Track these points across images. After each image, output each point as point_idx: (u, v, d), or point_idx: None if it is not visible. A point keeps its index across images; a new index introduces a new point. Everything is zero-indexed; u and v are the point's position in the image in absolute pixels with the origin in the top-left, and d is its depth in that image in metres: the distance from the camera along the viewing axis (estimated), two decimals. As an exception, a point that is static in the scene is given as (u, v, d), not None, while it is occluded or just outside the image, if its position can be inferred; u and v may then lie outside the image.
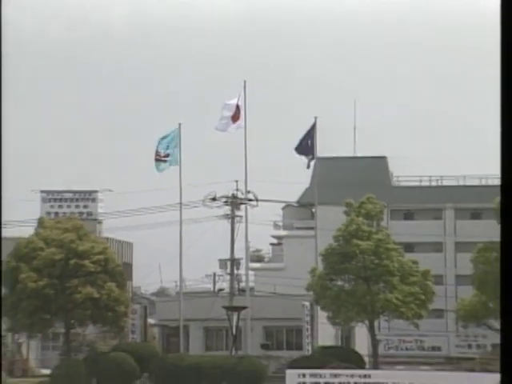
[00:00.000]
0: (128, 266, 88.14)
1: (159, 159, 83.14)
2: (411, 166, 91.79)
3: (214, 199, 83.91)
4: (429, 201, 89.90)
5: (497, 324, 77.28)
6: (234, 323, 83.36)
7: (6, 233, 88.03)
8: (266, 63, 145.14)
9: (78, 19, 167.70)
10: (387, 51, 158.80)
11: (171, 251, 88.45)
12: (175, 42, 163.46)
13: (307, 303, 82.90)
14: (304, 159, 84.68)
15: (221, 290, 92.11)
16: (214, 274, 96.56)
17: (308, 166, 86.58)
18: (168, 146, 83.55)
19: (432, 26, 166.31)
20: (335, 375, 69.40)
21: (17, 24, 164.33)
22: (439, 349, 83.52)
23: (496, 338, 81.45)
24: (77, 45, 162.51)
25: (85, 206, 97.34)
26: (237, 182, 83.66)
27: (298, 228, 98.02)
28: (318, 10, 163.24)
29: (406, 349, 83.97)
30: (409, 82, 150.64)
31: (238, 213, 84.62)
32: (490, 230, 76.12)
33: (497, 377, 69.51)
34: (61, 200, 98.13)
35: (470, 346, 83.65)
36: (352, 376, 69.79)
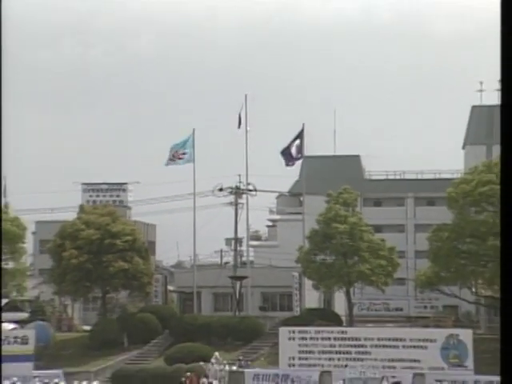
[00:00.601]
0: (152, 244, 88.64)
1: (177, 158, 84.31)
2: (380, 163, 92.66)
3: (221, 190, 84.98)
4: (393, 191, 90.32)
5: (447, 289, 78.60)
6: (237, 290, 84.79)
7: (53, 217, 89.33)
8: (264, 78, 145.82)
9: (113, 45, 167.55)
10: (363, 67, 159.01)
11: (186, 232, 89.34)
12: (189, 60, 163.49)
13: (296, 273, 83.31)
14: (284, 161, 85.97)
15: (226, 263, 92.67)
16: (221, 250, 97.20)
17: (286, 165, 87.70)
18: (185, 147, 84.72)
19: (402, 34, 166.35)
20: (318, 331, 70.60)
21: (62, 49, 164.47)
22: (401, 309, 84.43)
23: (446, 301, 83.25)
24: (113, 66, 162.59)
25: (117, 196, 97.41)
26: (239, 175, 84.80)
27: (289, 213, 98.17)
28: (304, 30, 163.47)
29: (375, 310, 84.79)
30: (379, 95, 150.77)
31: (240, 201, 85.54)
32: (442, 215, 77.49)
33: (445, 331, 71.08)
34: (98, 190, 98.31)
35: (425, 307, 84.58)
36: (332, 332, 70.98)
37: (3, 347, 74.04)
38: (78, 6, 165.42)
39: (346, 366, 65.18)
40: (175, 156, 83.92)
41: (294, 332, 71.27)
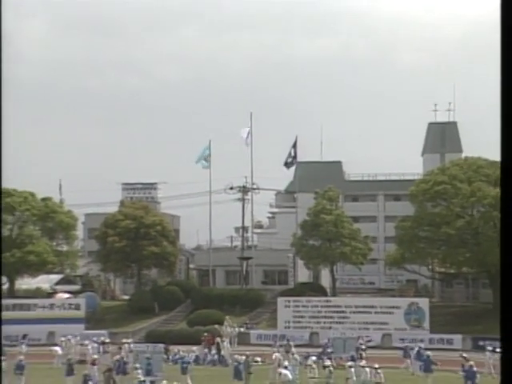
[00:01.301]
0: (177, 231, 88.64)
1: (203, 159, 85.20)
2: (356, 167, 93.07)
3: (231, 188, 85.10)
4: (367, 189, 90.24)
5: (409, 267, 78.49)
6: (244, 268, 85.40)
7: (99, 210, 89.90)
8: (265, 99, 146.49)
9: (146, 74, 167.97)
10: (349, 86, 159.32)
11: (204, 221, 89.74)
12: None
13: (291, 255, 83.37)
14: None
15: (235, 246, 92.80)
16: (231, 236, 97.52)
17: (287, 168, 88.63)
18: (204, 155, 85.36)
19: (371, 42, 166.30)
20: (309, 301, 71.32)
21: (105, 78, 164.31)
22: (374, 283, 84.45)
23: (408, 276, 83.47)
24: (147, 90, 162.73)
25: (149, 193, 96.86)
26: (246, 177, 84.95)
27: (285, 207, 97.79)
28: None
29: (353, 283, 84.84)
30: (356, 114, 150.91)
31: (246, 197, 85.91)
32: (406, 208, 78.01)
33: (407, 300, 71.82)
34: (134, 189, 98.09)
35: (392, 281, 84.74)
36: (319, 301, 71.69)
37: (61, 312, 75.34)
38: (117, 43, 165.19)
39: (330, 327, 65.95)
40: (201, 159, 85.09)
41: (289, 301, 72.30)
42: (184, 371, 45.78)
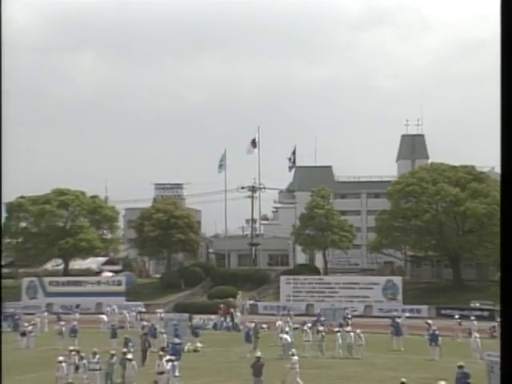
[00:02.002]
0: (199, 223, 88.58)
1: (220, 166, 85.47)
2: (344, 171, 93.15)
3: (242, 188, 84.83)
4: (353, 188, 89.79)
5: (386, 252, 78.51)
6: (253, 252, 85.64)
7: (136, 205, 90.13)
8: (271, 115, 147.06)
9: (174, 97, 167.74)
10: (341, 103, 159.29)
11: (220, 214, 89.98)
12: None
13: (291, 242, 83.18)
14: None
15: (246, 234, 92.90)
16: (243, 227, 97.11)
17: (288, 171, 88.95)
18: (221, 161, 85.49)
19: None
20: (305, 279, 71.63)
21: (141, 99, 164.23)
22: (358, 264, 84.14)
23: (386, 259, 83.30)
24: (175, 109, 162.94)
25: (176, 191, 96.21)
26: (254, 178, 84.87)
27: (286, 203, 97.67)
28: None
29: (341, 265, 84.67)
30: (344, 128, 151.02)
31: (255, 195, 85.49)
32: (384, 204, 77.82)
33: (384, 278, 71.99)
34: (164, 188, 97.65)
35: (373, 263, 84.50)
36: (313, 279, 71.93)
37: (106, 287, 75.70)
38: (151, 71, 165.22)
39: (322, 300, 66.16)
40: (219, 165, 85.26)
41: (289, 279, 72.53)
42: (196, 335, 46.06)
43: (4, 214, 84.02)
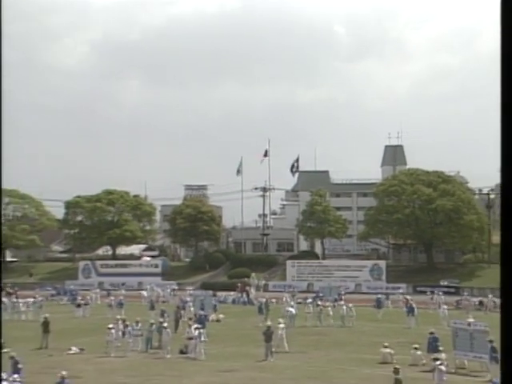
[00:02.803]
0: (220, 217, 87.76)
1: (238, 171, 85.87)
2: (338, 174, 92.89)
3: (256, 188, 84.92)
4: (346, 189, 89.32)
5: (373, 240, 78.37)
6: (265, 240, 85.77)
7: (170, 202, 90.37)
8: (278, 129, 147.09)
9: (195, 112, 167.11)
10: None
11: (238, 210, 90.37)
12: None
13: (295, 232, 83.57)
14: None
15: (259, 226, 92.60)
16: (256, 220, 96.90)
17: (293, 175, 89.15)
18: (239, 166, 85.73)
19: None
20: (307, 263, 71.67)
21: (172, 116, 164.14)
22: (349, 251, 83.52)
23: (372, 246, 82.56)
24: (200, 124, 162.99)
25: (202, 191, 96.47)
26: (265, 181, 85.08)
27: (292, 201, 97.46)
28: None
29: (336, 251, 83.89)
30: (336, 141, 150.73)
31: (266, 194, 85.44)
32: (371, 202, 77.34)
33: (371, 262, 71.90)
34: (192, 188, 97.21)
35: (362, 250, 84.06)
36: (313, 263, 72.11)
37: (145, 269, 76.16)
38: (180, 92, 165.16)
39: (321, 280, 66.16)
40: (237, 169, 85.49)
41: (294, 263, 72.61)
42: (214, 309, 46.08)
43: (63, 210, 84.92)
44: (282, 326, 31.32)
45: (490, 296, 51.68)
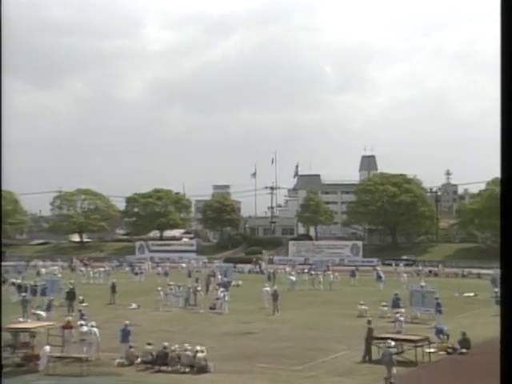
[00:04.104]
0: (239, 209, 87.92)
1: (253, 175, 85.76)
2: (327, 177, 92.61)
3: (266, 187, 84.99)
4: (333, 188, 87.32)
5: (353, 226, 77.85)
6: (272, 227, 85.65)
7: (202, 198, 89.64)
8: (282, 144, 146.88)
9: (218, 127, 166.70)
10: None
11: (252, 204, 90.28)
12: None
13: (295, 220, 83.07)
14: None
15: (268, 216, 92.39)
16: (265, 211, 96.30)
17: (293, 177, 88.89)
18: (254, 172, 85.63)
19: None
20: (304, 243, 71.99)
21: (203, 133, 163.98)
22: (335, 234, 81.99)
23: (352, 231, 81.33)
24: (224, 139, 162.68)
25: (226, 189, 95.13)
26: (272, 182, 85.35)
27: (292, 197, 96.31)
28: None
29: (325, 234, 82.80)
30: (326, 154, 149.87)
31: (273, 192, 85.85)
32: (352, 198, 76.70)
33: (351, 242, 71.61)
34: (217, 188, 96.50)
35: (344, 233, 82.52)
36: (309, 243, 72.31)
37: (184, 247, 76.13)
38: (211, 118, 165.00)
39: (314, 256, 65.82)
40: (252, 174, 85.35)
41: (294, 243, 72.75)
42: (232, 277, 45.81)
43: (124, 204, 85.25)
44: (266, 289, 31.20)
45: (440, 266, 53.13)
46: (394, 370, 15.69)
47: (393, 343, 16.86)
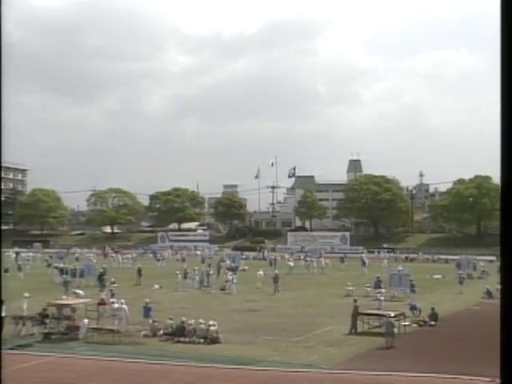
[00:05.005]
0: (245, 205, 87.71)
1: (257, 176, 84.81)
2: (321, 177, 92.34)
3: (267, 187, 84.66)
4: (325, 187, 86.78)
5: (342, 219, 78.12)
6: (274, 220, 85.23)
7: (214, 195, 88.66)
8: (283, 151, 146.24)
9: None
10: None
11: (256, 200, 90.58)
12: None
13: (293, 215, 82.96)
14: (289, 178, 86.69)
15: (270, 211, 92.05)
16: (268, 207, 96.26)
17: (289, 178, 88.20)
18: (257, 173, 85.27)
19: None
20: (300, 234, 71.74)
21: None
22: (327, 226, 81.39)
23: (342, 223, 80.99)
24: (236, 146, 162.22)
25: (233, 189, 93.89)
26: (273, 182, 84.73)
27: (291, 194, 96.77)
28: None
29: (319, 226, 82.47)
30: (320, 160, 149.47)
31: (275, 190, 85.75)
32: (341, 195, 76.21)
33: (341, 233, 71.34)
34: (227, 187, 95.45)
35: (335, 226, 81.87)
36: (305, 234, 71.96)
37: (199, 237, 75.88)
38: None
39: (309, 244, 65.37)
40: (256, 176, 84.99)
41: (292, 234, 72.61)
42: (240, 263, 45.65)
43: (148, 201, 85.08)
44: (260, 273, 31.29)
45: (420, 253, 53.68)
46: (394, 331, 16.22)
47: (392, 314, 17.36)
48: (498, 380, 1.68)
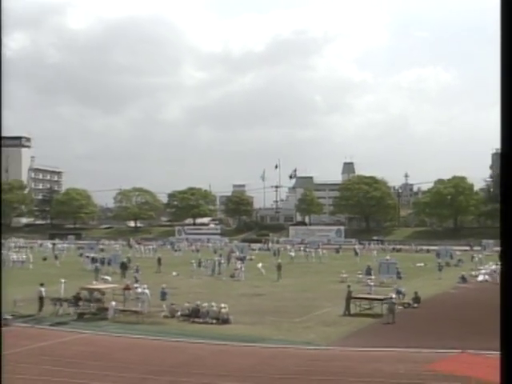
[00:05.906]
0: (252, 203, 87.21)
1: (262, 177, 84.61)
2: (318, 178, 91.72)
3: (272, 186, 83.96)
4: (322, 187, 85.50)
5: (337, 216, 77.71)
6: (277, 216, 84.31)
7: (224, 194, 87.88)
8: (285, 156, 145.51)
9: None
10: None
11: (261, 198, 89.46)
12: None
13: (294, 211, 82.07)
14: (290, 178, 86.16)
15: (274, 208, 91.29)
16: (272, 204, 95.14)
17: (290, 179, 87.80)
18: (263, 174, 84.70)
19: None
20: (301, 228, 71.38)
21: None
22: (324, 221, 79.88)
23: (337, 219, 79.22)
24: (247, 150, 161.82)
25: (242, 188, 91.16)
26: (277, 182, 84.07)
27: (292, 193, 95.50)
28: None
29: (317, 221, 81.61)
30: (318, 164, 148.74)
31: (278, 189, 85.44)
32: (336, 194, 75.82)
33: (336, 227, 71.28)
34: (236, 186, 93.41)
35: (331, 221, 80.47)
36: (305, 228, 71.50)
37: (211, 230, 75.03)
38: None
39: (308, 237, 65.30)
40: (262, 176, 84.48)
41: (293, 228, 72.15)
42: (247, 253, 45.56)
43: (167, 198, 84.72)
44: (259, 265, 31.14)
45: (413, 245, 53.21)
46: (396, 309, 16.88)
47: (394, 295, 18.23)
48: (469, 351, 1.70)
